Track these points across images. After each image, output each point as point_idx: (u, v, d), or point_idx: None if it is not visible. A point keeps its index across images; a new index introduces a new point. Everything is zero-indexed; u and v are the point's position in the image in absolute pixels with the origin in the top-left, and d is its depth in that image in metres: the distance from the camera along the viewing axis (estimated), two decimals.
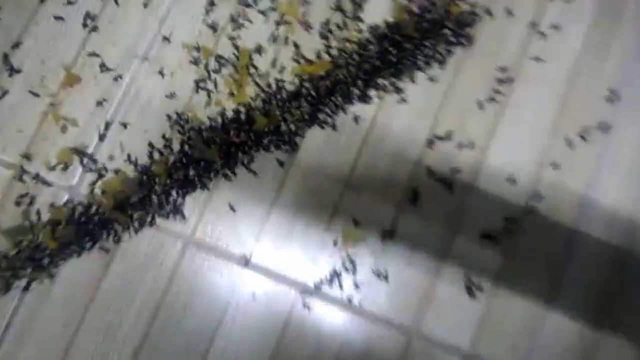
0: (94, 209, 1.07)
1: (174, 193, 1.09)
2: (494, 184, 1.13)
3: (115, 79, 1.13)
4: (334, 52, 1.16)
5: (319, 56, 1.16)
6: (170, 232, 1.08)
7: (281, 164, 1.12)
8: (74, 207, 1.07)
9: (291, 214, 1.10)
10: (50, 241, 1.04)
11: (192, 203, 1.09)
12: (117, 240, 1.07)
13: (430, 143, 1.14)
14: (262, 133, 1.12)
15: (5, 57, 1.12)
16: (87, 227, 1.06)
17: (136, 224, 1.07)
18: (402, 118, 1.15)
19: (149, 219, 1.08)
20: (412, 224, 1.11)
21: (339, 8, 1.17)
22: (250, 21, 1.16)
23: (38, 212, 1.07)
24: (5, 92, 1.10)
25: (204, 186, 1.10)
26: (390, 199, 1.12)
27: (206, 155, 1.10)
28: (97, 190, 1.08)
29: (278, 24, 1.16)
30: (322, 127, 1.14)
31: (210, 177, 1.10)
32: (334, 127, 1.14)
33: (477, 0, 1.20)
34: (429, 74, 1.17)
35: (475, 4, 1.19)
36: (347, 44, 1.16)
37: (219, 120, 1.12)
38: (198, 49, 1.14)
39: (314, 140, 1.13)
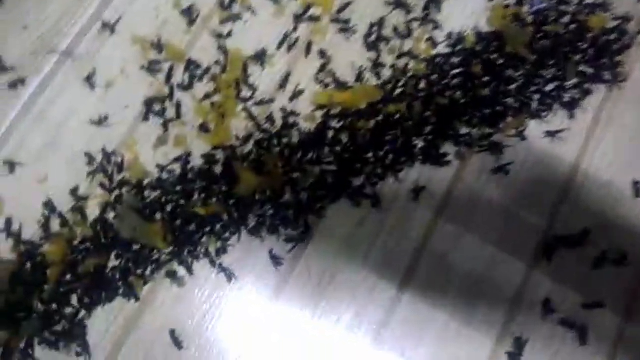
0: None
1: (74, 300, 0.49)
2: None
3: (13, 85, 0.55)
4: (387, 73, 0.57)
5: (360, 78, 0.56)
6: None
7: (277, 261, 0.52)
8: None
9: (281, 351, 0.50)
10: None
11: (104, 322, 0.49)
12: None
13: (548, 251, 0.54)
14: (249, 203, 0.52)
15: None
16: None
17: None
18: (499, 197, 0.55)
19: (20, 345, 0.48)
20: None
21: (400, 3, 0.58)
22: (253, 11, 0.58)
23: None
24: None
25: (130, 293, 0.50)
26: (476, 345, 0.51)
27: (144, 235, 0.50)
28: None
29: (298, 19, 0.57)
30: (356, 203, 0.54)
31: (145, 275, 0.51)
32: (376, 202, 0.54)
33: (631, 12, 0.59)
34: (551, 127, 0.56)
35: (628, 17, 0.59)
36: (411, 63, 0.57)
37: (177, 172, 0.53)
38: (159, 46, 0.56)
39: (339, 223, 0.53)
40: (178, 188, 0.54)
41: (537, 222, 0.56)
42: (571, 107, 0.59)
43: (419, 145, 0.57)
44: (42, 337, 0.50)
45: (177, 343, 0.51)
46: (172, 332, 0.51)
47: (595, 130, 0.59)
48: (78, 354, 0.50)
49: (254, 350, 0.51)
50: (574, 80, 0.59)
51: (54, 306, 0.51)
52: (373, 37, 0.59)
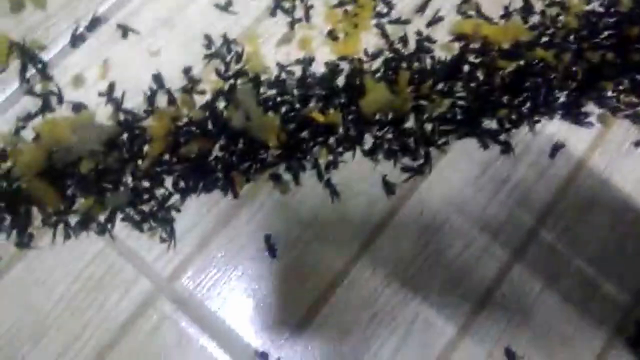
0: (5, 166, 0.41)
1: (168, 183, 0.42)
2: None
3: None
4: (535, 19, 0.49)
5: (507, 15, 0.49)
6: (136, 258, 0.41)
7: (390, 189, 0.44)
8: None
9: (381, 286, 0.42)
10: None
11: (195, 214, 0.42)
12: (27, 242, 0.40)
13: None
14: (370, 121, 0.45)
15: None
16: None
17: (75, 219, 0.41)
18: (637, 172, 0.47)
19: (102, 217, 0.41)
20: None
21: None
22: None
23: None
24: None
25: (229, 188, 0.43)
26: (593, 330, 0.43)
27: (256, 127, 0.43)
28: (27, 133, 0.42)
29: None
30: (484, 145, 0.46)
31: (248, 172, 0.43)
32: (506, 149, 0.46)
33: None
34: None
35: None
36: (565, 16, 0.50)
37: (297, 73, 0.46)
38: None
39: (462, 162, 0.46)
40: (296, 91, 0.47)
41: None
42: None
43: (561, 99, 0.49)
44: (127, 213, 0.43)
45: (271, 250, 0.43)
46: (268, 238, 0.44)
47: None
48: (162, 240, 0.43)
49: (342, 276, 0.44)
50: None
51: (146, 184, 0.44)
52: None
